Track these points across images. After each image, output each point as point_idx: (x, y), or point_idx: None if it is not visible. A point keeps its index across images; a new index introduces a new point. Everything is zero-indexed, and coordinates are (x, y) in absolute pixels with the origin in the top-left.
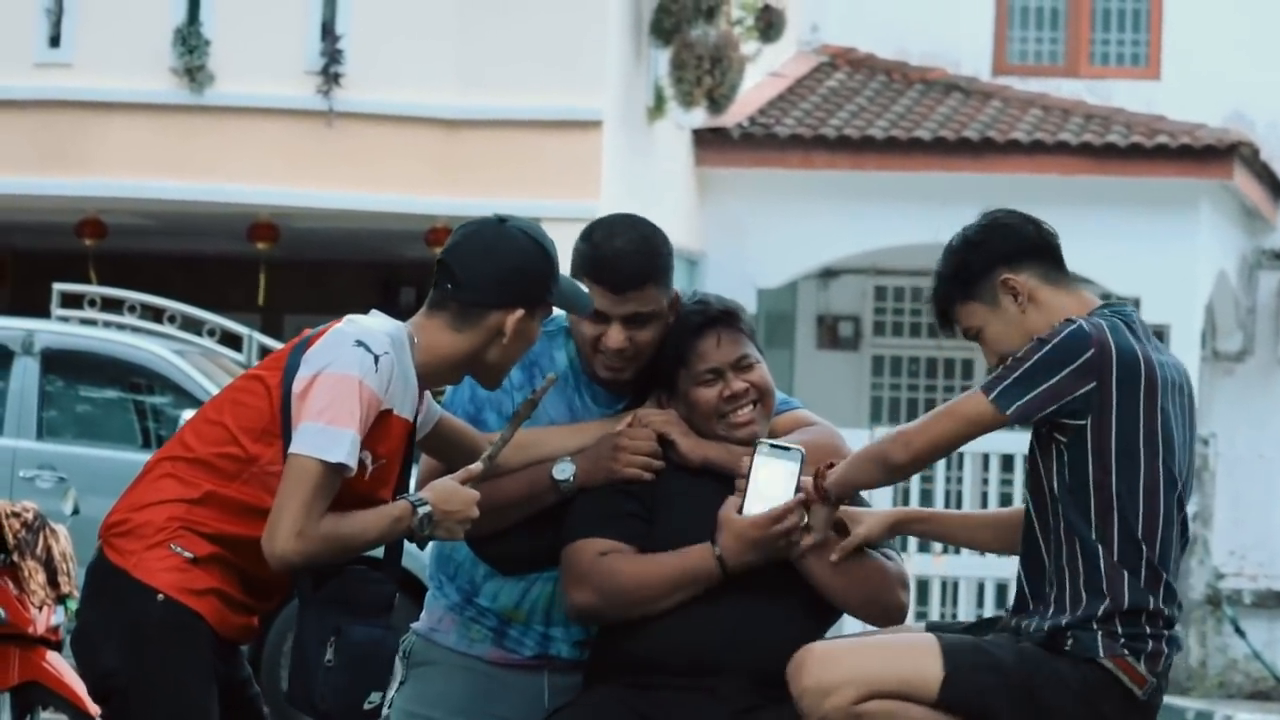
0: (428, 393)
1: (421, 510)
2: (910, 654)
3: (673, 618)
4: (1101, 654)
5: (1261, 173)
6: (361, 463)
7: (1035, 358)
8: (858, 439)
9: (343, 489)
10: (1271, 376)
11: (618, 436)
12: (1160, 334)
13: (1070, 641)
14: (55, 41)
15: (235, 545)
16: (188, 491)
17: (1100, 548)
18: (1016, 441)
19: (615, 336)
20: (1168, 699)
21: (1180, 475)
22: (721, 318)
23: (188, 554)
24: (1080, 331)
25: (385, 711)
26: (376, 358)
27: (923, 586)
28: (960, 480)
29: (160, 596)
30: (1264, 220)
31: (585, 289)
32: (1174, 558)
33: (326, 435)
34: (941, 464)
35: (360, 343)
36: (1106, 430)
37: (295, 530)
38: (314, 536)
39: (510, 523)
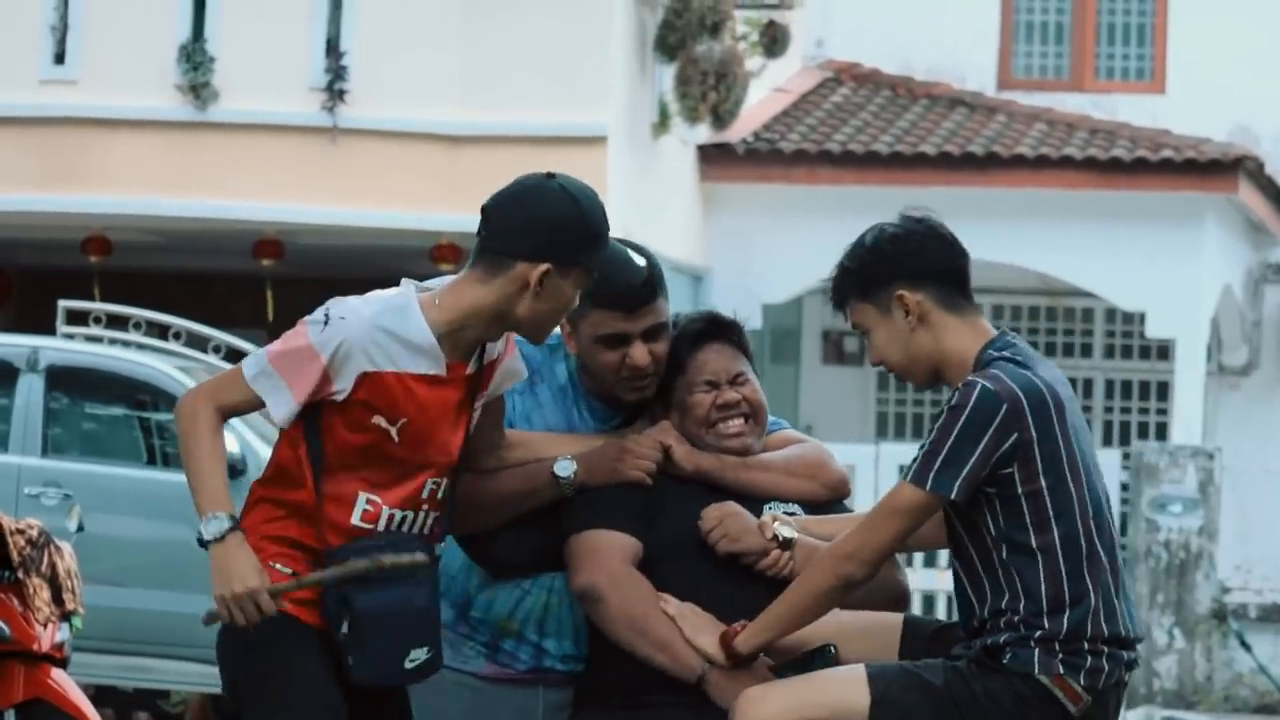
0: (511, 361)
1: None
2: (838, 684)
3: None
4: (1037, 670)
5: (1267, 187)
6: (378, 427)
7: (954, 432)
8: (864, 455)
9: (379, 451)
10: (1277, 391)
11: (624, 440)
12: (1165, 348)
13: (1008, 656)
14: (60, 59)
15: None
16: (274, 512)
17: (1042, 580)
18: None
19: (641, 354)
20: (1173, 713)
21: (1101, 490)
22: (723, 330)
23: (288, 570)
24: (986, 392)
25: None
26: (327, 318)
27: (929, 601)
28: None
29: None
30: (1269, 234)
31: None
32: (1119, 576)
33: (255, 357)
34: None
35: (326, 308)
36: (1034, 470)
37: (207, 389)
38: (211, 407)
39: (503, 519)
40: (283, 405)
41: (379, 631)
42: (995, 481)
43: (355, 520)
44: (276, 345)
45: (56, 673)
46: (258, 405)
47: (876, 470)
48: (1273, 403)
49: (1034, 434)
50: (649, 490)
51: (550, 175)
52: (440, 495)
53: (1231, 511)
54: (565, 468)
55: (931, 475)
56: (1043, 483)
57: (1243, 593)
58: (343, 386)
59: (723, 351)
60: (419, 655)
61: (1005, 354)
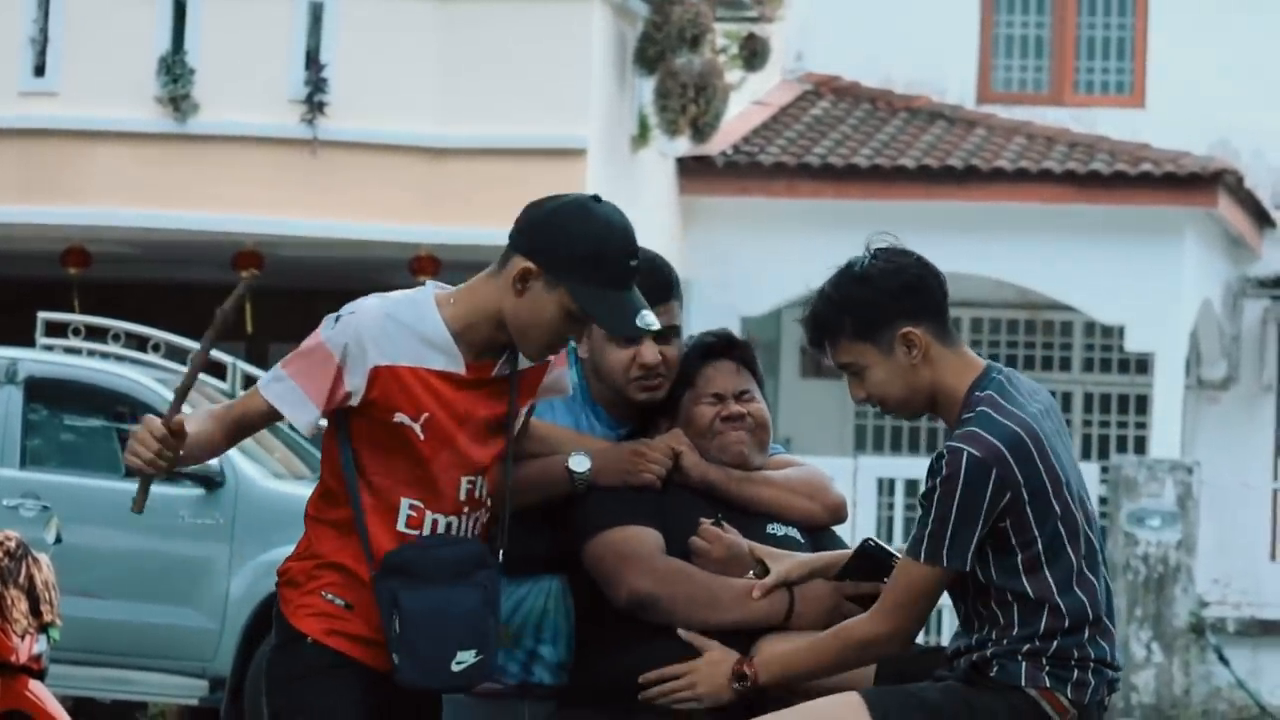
0: (558, 375)
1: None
2: (838, 712)
3: (650, 641)
4: (1024, 682)
5: (1246, 200)
6: (401, 424)
7: (954, 506)
8: (842, 468)
9: (409, 451)
10: (1255, 404)
11: (637, 444)
12: (1144, 362)
13: (995, 669)
14: (40, 71)
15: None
16: (325, 532)
17: (1042, 618)
18: None
19: (651, 352)
20: None
21: (1089, 510)
22: (734, 348)
23: (339, 601)
24: (973, 460)
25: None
26: (339, 316)
27: None
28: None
29: (309, 640)
30: (1248, 248)
31: (641, 315)
32: (1104, 597)
33: (273, 369)
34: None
35: (341, 310)
36: (1026, 519)
37: (208, 410)
38: (227, 419)
39: (512, 508)
40: (302, 411)
41: (425, 630)
42: (991, 534)
43: (400, 526)
44: (291, 353)
45: (34, 684)
46: (273, 416)
47: (855, 483)
48: (1251, 416)
49: (1023, 485)
50: (659, 494)
51: (598, 199)
52: (478, 494)
53: (1210, 525)
54: (580, 463)
55: (945, 552)
56: (1035, 532)
57: (1221, 607)
58: (355, 385)
59: (731, 368)
60: (466, 658)
61: (989, 393)
